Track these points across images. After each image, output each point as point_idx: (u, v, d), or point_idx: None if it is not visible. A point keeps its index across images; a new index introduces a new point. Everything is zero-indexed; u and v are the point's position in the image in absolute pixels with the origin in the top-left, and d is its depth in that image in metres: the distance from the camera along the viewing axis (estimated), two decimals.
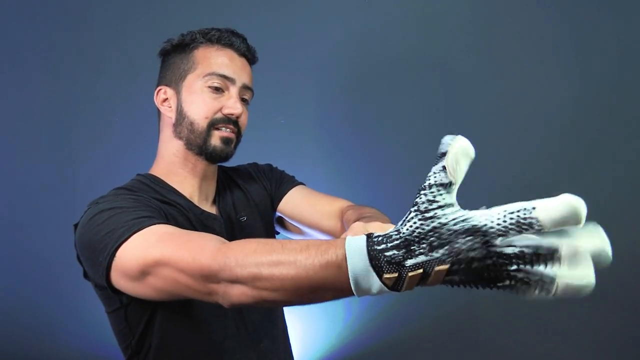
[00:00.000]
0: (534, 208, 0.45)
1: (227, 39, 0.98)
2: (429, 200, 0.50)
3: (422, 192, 0.50)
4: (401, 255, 0.50)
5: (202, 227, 0.95)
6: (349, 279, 0.52)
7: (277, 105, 1.88)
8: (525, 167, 1.83)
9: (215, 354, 0.92)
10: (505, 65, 1.86)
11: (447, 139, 0.51)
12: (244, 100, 1.00)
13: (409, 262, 0.49)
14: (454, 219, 0.48)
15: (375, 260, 0.51)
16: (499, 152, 1.84)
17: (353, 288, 0.52)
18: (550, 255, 0.45)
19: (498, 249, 0.46)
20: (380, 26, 1.89)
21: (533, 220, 0.45)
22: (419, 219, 0.49)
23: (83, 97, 1.94)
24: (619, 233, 1.96)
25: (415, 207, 0.50)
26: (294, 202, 1.10)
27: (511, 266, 0.46)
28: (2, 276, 1.92)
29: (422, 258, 0.49)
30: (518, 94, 1.85)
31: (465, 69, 1.86)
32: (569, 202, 0.44)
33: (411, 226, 0.50)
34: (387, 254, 0.50)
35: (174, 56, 1.00)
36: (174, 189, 0.97)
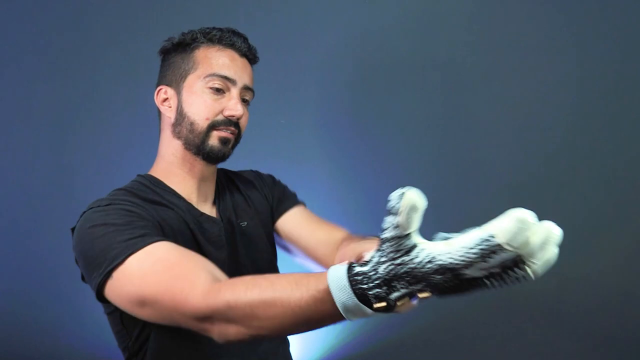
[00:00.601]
0: (492, 236, 0.47)
1: (229, 39, 0.98)
2: (393, 251, 0.53)
3: (385, 243, 0.54)
4: (384, 292, 0.54)
5: (200, 230, 0.95)
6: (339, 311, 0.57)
7: (277, 106, 1.88)
8: (526, 167, 1.83)
9: (214, 357, 0.92)
10: (508, 63, 1.86)
11: (395, 197, 0.53)
12: (244, 101, 1.00)
13: (394, 295, 0.54)
14: (420, 262, 0.52)
15: (363, 296, 0.55)
16: (500, 151, 1.84)
17: (345, 317, 0.57)
18: (514, 263, 0.48)
19: (468, 276, 0.50)
20: (381, 25, 1.89)
21: (495, 248, 0.47)
22: (390, 264, 0.53)
23: (83, 97, 1.94)
24: (618, 234, 1.95)
25: (384, 254, 0.54)
26: (293, 223, 1.10)
27: (485, 280, 0.51)
28: (2, 276, 1.92)
29: (404, 290, 0.54)
30: (520, 93, 1.85)
31: (470, 67, 1.86)
32: (518, 217, 0.46)
33: (386, 268, 0.54)
34: (371, 292, 0.54)
35: (174, 55, 0.99)
36: (173, 190, 0.97)
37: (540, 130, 1.83)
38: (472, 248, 0.48)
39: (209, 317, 0.67)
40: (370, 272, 0.54)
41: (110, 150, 1.92)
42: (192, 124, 0.95)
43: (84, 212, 0.86)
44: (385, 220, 0.54)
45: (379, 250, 0.54)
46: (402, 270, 0.52)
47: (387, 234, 0.53)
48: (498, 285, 0.50)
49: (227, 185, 1.09)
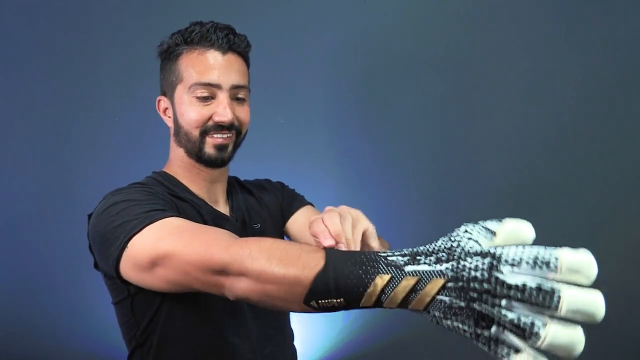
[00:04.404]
0: (555, 250, 0.45)
1: (208, 38, 0.95)
2: (465, 231, 0.50)
3: (469, 224, 0.51)
4: (402, 261, 0.51)
5: (214, 225, 0.95)
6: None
7: (276, 106, 1.88)
8: (526, 167, 1.83)
9: (220, 353, 0.92)
10: (514, 61, 1.86)
11: (519, 219, 0.50)
12: (239, 99, 0.98)
13: (408, 268, 0.51)
14: (471, 246, 0.49)
15: (373, 261, 0.52)
16: (505, 151, 1.84)
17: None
18: (551, 293, 0.44)
19: (501, 276, 0.46)
20: (383, 24, 1.89)
21: (552, 259, 0.45)
22: (443, 240, 0.51)
23: (83, 97, 1.94)
24: (618, 234, 1.95)
25: (449, 233, 0.51)
26: (299, 223, 1.10)
27: (505, 300, 0.46)
28: (2, 276, 1.92)
29: (423, 267, 0.50)
30: (534, 91, 1.85)
31: (474, 66, 1.86)
32: (588, 255, 0.45)
33: (430, 244, 0.51)
34: (390, 258, 0.52)
35: (166, 63, 0.99)
36: (187, 187, 0.98)
37: (541, 128, 1.83)
38: (531, 249, 0.46)
39: (226, 266, 0.65)
40: (406, 249, 0.53)
41: (110, 149, 1.92)
42: (186, 134, 0.95)
43: (103, 199, 0.87)
44: (491, 222, 0.50)
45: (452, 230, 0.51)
46: (446, 245, 0.50)
47: (480, 222, 0.51)
48: (509, 328, 0.45)
49: (239, 188, 1.10)
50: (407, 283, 0.50)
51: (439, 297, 0.49)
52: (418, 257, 0.51)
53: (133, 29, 1.93)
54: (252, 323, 0.96)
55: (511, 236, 0.49)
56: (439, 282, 0.49)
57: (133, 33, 1.92)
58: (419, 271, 0.50)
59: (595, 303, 0.44)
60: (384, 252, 0.53)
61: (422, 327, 1.85)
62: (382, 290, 0.51)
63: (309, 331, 1.85)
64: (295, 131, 1.90)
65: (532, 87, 1.84)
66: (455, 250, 0.49)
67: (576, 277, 0.44)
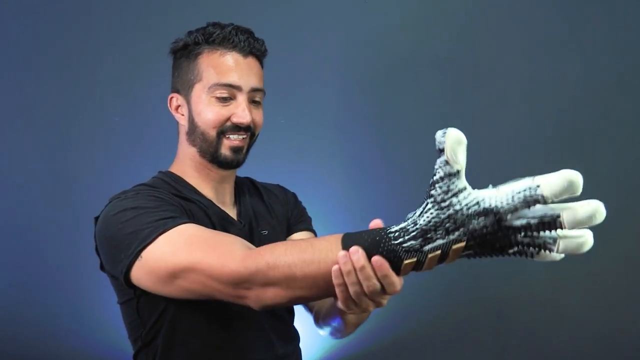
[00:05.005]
0: (538, 186, 0.51)
1: (230, 40, 0.96)
2: (444, 191, 0.55)
3: (437, 184, 0.55)
4: (418, 244, 0.56)
5: (221, 227, 0.96)
6: None
7: (276, 106, 1.87)
8: (526, 166, 1.83)
9: (227, 354, 0.92)
10: (515, 59, 1.86)
11: (439, 135, 0.56)
12: (255, 102, 1.00)
13: (427, 247, 0.56)
14: (467, 204, 0.54)
15: (393, 252, 0.57)
16: (508, 150, 1.84)
17: None
18: (553, 221, 0.51)
19: (508, 224, 0.53)
20: (380, 25, 1.90)
21: (538, 197, 0.51)
22: (436, 209, 0.55)
23: (83, 97, 1.94)
24: (618, 234, 1.96)
25: (432, 199, 0.56)
26: None
27: (519, 234, 0.53)
28: (3, 276, 1.92)
29: (439, 242, 0.55)
30: (530, 87, 1.85)
31: (476, 65, 1.87)
32: (567, 177, 0.50)
33: (428, 217, 0.55)
34: (405, 245, 0.56)
35: (182, 60, 0.99)
36: (194, 188, 0.98)
37: (541, 127, 1.84)
38: (518, 193, 0.52)
39: (247, 280, 0.68)
40: (408, 225, 0.57)
41: (110, 149, 1.92)
42: (202, 133, 0.95)
43: (110, 202, 0.88)
44: (437, 162, 0.56)
45: (430, 196, 0.56)
46: (446, 214, 0.54)
47: (438, 175, 0.55)
48: (528, 246, 0.53)
49: (249, 192, 1.10)
50: (433, 257, 0.56)
51: (465, 253, 0.56)
52: (429, 236, 0.55)
53: (133, 29, 1.93)
54: (259, 324, 0.96)
55: (453, 149, 0.55)
56: (460, 247, 0.54)
57: (133, 33, 1.92)
58: (437, 246, 0.55)
59: (592, 214, 0.50)
60: (395, 239, 0.57)
61: (422, 327, 1.86)
62: (414, 268, 0.57)
63: (309, 331, 1.85)
64: (296, 131, 1.90)
65: (534, 87, 1.84)
66: (457, 217, 0.54)
67: (566, 196, 0.51)
